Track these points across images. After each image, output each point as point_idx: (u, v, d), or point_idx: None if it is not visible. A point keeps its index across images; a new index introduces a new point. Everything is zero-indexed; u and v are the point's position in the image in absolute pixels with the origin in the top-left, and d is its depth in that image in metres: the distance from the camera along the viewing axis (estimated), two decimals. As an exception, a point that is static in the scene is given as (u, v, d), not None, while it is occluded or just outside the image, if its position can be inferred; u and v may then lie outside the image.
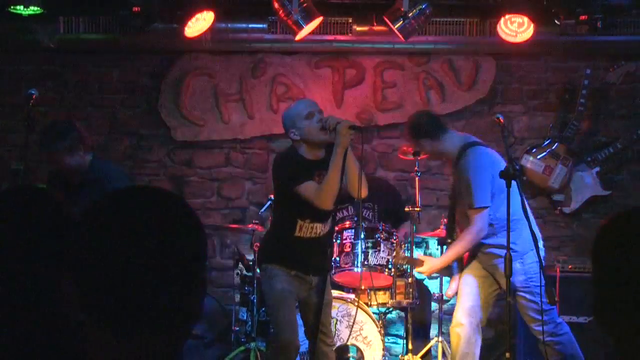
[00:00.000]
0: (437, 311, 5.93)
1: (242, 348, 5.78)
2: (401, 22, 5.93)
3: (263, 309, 5.71)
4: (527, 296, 4.95)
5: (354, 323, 5.30)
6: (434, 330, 6.16)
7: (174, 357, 1.41)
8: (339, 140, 4.44)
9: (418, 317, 5.95)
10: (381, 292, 5.70)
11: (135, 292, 1.35)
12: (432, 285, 6.14)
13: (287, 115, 4.75)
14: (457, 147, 5.05)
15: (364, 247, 5.37)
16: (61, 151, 4.91)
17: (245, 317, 5.87)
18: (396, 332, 6.58)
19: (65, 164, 4.94)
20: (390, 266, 5.46)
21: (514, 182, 4.63)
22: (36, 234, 2.06)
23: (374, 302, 5.57)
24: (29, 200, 2.12)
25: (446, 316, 6.05)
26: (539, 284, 4.79)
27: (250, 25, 6.57)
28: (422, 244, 6.17)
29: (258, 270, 5.25)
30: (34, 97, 5.20)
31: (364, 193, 4.67)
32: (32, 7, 5.96)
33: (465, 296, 5.10)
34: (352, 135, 4.51)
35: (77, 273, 1.39)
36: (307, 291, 4.72)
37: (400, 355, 5.67)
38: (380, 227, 5.52)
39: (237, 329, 5.96)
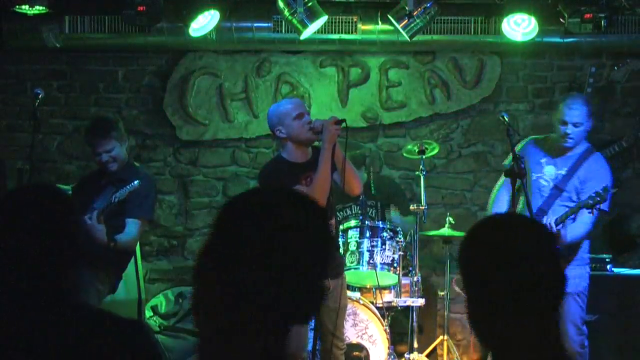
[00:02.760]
0: (443, 310, 5.93)
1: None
2: (406, 20, 5.93)
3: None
4: (582, 304, 5.00)
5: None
6: (439, 329, 6.17)
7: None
8: (326, 136, 4.52)
9: (424, 315, 5.96)
10: (387, 291, 5.71)
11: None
12: (438, 284, 6.14)
13: (274, 112, 4.77)
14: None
15: (369, 245, 5.38)
16: (114, 140, 5.03)
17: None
18: (402, 331, 6.57)
19: (114, 154, 5.03)
20: (395, 264, 5.47)
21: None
22: (49, 230, 2.07)
23: (379, 301, 5.58)
24: (43, 197, 2.14)
25: (452, 315, 6.06)
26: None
27: (256, 24, 6.57)
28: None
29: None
30: (39, 96, 5.22)
31: (358, 189, 4.74)
32: (37, 7, 5.96)
33: None
34: (338, 129, 4.57)
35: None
36: None
37: (405, 354, 5.67)
38: (385, 226, 5.53)
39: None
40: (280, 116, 4.70)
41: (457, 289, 5.97)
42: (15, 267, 2.02)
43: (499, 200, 5.38)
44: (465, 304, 1.75)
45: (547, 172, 5.14)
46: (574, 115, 5.07)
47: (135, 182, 4.75)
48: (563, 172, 5.14)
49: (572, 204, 5.07)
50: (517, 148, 5.27)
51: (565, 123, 5.07)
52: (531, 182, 5.19)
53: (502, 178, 5.42)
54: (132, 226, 4.97)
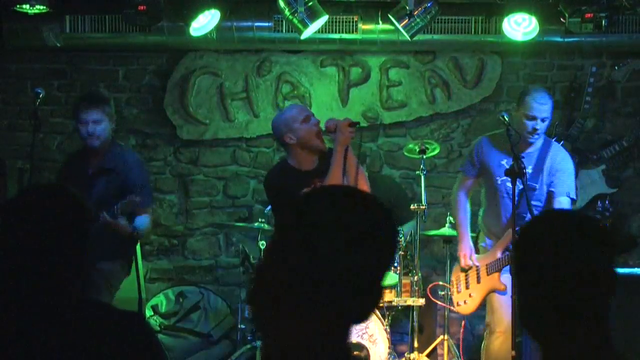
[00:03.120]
0: (444, 309, 5.93)
1: (248, 346, 5.79)
2: (406, 20, 5.93)
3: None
4: None
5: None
6: (440, 329, 6.17)
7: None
8: (340, 138, 4.43)
9: (424, 315, 5.96)
10: (387, 290, 5.71)
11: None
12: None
13: (280, 120, 4.67)
14: None
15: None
16: (105, 114, 4.99)
17: (251, 316, 5.87)
18: (402, 330, 6.57)
19: (101, 128, 4.97)
20: (396, 264, 5.47)
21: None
22: (60, 230, 2.08)
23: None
24: (52, 197, 2.15)
25: (452, 314, 6.06)
26: None
27: (256, 24, 6.57)
28: None
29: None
30: (40, 95, 5.21)
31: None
32: (37, 6, 5.96)
33: None
34: (352, 132, 4.49)
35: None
36: None
37: (406, 354, 5.67)
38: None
39: (243, 327, 5.97)
40: (287, 122, 4.59)
41: (431, 297, 5.91)
42: (24, 265, 2.03)
43: (461, 203, 5.31)
44: (519, 299, 1.76)
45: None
46: (543, 110, 4.90)
47: (137, 198, 4.75)
48: (529, 170, 4.95)
49: (541, 202, 5.02)
50: (474, 151, 5.21)
51: (534, 118, 4.89)
52: (497, 186, 5.08)
53: (459, 178, 5.40)
54: (144, 220, 5.01)
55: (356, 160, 4.57)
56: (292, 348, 1.44)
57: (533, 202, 4.90)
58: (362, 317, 1.50)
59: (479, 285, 5.13)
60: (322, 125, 4.62)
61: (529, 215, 4.84)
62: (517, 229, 4.84)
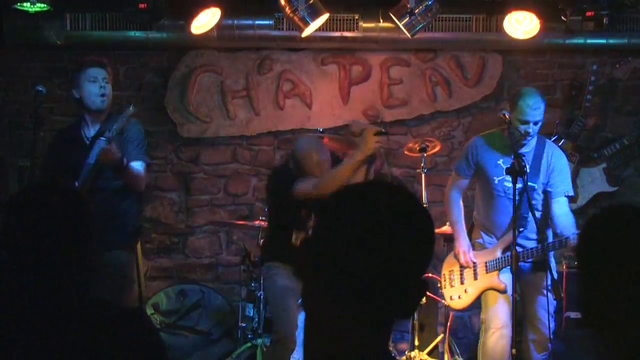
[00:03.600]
0: (444, 308, 5.93)
1: (248, 344, 5.79)
2: (407, 18, 5.92)
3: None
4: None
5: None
6: (440, 327, 6.17)
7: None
8: (364, 147, 4.33)
9: (425, 313, 5.96)
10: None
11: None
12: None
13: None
14: None
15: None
16: (110, 75, 4.96)
17: (251, 314, 5.87)
18: (403, 328, 6.58)
19: (109, 92, 4.93)
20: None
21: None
22: (61, 227, 2.08)
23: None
24: (53, 195, 2.15)
25: (453, 312, 6.05)
26: None
27: (257, 22, 6.57)
28: None
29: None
30: (41, 93, 5.19)
31: None
32: (38, 4, 5.96)
33: None
34: (379, 142, 4.41)
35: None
36: None
37: (406, 351, 5.67)
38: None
39: (243, 325, 5.97)
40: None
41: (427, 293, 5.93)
42: (26, 263, 2.04)
43: (455, 201, 5.30)
44: (582, 293, 1.75)
45: (508, 175, 4.85)
46: (536, 114, 4.87)
47: (130, 106, 4.74)
48: (527, 169, 4.93)
49: (540, 199, 5.03)
50: (468, 151, 5.19)
51: (526, 122, 4.86)
52: (494, 186, 5.06)
53: (452, 178, 5.38)
54: (137, 165, 4.89)
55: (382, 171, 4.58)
56: (338, 344, 1.45)
57: (533, 202, 4.91)
58: (408, 312, 1.52)
59: (476, 282, 5.12)
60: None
61: (530, 215, 4.87)
62: (521, 229, 4.86)
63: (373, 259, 1.43)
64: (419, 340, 5.60)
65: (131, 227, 4.97)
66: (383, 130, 4.50)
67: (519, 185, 4.73)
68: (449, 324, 5.87)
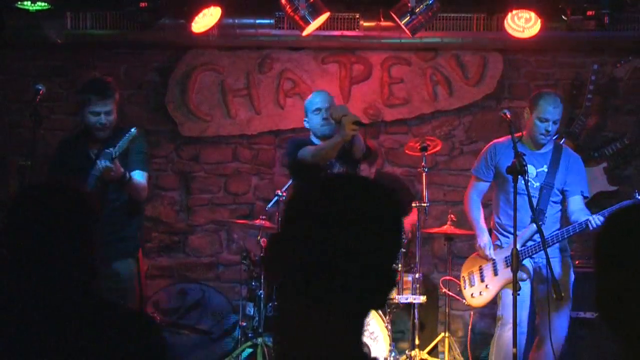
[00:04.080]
0: (445, 307, 5.93)
1: (249, 343, 5.79)
2: (408, 17, 5.93)
3: (270, 304, 5.72)
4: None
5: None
6: (441, 326, 6.17)
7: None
8: (342, 133, 4.73)
9: (425, 312, 5.96)
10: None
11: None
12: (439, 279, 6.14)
13: (305, 104, 5.26)
14: None
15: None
16: (115, 104, 4.98)
17: (252, 313, 5.88)
18: (403, 327, 6.58)
19: (112, 118, 4.96)
20: (397, 261, 5.47)
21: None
22: (63, 228, 2.08)
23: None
24: (55, 195, 2.15)
25: (453, 312, 6.06)
26: None
27: (258, 21, 6.57)
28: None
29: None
30: (41, 92, 5.18)
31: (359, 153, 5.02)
32: (39, 3, 5.97)
33: None
34: (356, 130, 4.73)
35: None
36: None
37: (407, 351, 5.67)
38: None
39: (244, 324, 5.96)
40: (306, 108, 5.18)
41: (443, 290, 5.99)
42: (27, 264, 2.04)
43: (475, 203, 5.43)
44: (598, 292, 1.75)
45: (530, 173, 5.11)
46: (557, 112, 5.16)
47: (132, 129, 4.78)
48: (545, 169, 5.22)
49: (558, 198, 5.26)
50: (487, 155, 5.39)
51: (546, 120, 5.12)
52: (510, 186, 5.18)
53: (471, 181, 5.47)
54: (139, 176, 5.02)
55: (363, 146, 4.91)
56: (311, 338, 1.44)
57: (552, 200, 5.20)
58: (380, 303, 1.52)
59: (496, 278, 5.25)
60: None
61: (547, 209, 5.16)
62: (540, 223, 4.93)
63: (341, 251, 1.42)
64: (419, 339, 5.60)
65: (136, 237, 5.16)
66: (361, 121, 4.84)
67: (537, 184, 5.06)
68: (449, 323, 5.88)
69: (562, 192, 5.26)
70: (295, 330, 1.45)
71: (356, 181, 1.53)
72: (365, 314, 1.50)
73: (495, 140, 5.48)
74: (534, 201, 4.99)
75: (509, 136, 5.26)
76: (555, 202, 5.25)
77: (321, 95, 5.23)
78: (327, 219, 1.43)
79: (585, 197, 5.32)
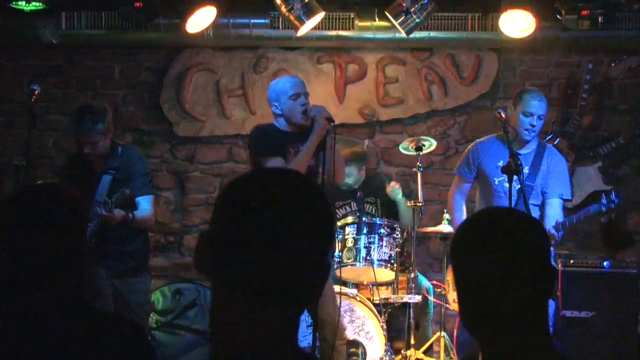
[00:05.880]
0: (440, 307, 5.93)
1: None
2: (403, 17, 5.93)
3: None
4: None
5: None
6: (436, 325, 6.17)
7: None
8: (316, 128, 4.72)
9: (420, 312, 5.97)
10: (383, 287, 5.72)
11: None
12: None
13: (273, 87, 5.04)
14: None
15: (366, 242, 5.38)
16: (99, 134, 4.91)
17: (247, 312, 5.87)
18: (398, 327, 6.58)
19: (98, 147, 4.93)
20: (392, 261, 5.47)
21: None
22: (55, 230, 2.07)
23: (376, 298, 5.59)
24: (47, 196, 2.14)
25: (448, 312, 6.05)
26: None
27: (252, 21, 6.57)
28: None
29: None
30: (36, 92, 5.18)
31: (340, 179, 5.06)
32: (34, 3, 5.96)
33: None
34: (330, 126, 4.74)
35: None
36: None
37: (402, 350, 5.67)
38: (382, 222, 5.53)
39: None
40: (278, 93, 4.95)
41: (429, 297, 6.01)
42: (18, 266, 2.03)
43: (458, 204, 5.43)
44: (458, 299, 1.77)
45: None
46: (541, 107, 5.10)
47: (126, 190, 4.79)
48: (526, 170, 5.10)
49: (539, 201, 5.18)
50: (470, 155, 5.35)
51: (531, 115, 5.06)
52: (494, 187, 5.19)
53: (454, 181, 5.47)
54: (145, 203, 5.05)
55: (334, 148, 4.80)
56: (244, 336, 1.43)
57: (532, 201, 5.05)
58: (313, 298, 1.50)
59: None
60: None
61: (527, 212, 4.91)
62: None
63: (271, 247, 1.41)
64: (414, 339, 5.60)
65: (145, 249, 5.24)
66: (332, 118, 4.83)
67: (518, 186, 4.81)
68: (444, 323, 5.88)
69: (543, 194, 5.21)
70: (229, 327, 1.44)
71: (287, 175, 1.52)
72: (300, 310, 1.49)
73: (477, 140, 5.46)
74: (513, 203, 4.89)
75: (493, 135, 5.28)
76: (535, 205, 5.16)
77: (296, 80, 5.13)
78: (258, 213, 1.42)
79: (566, 200, 5.26)
